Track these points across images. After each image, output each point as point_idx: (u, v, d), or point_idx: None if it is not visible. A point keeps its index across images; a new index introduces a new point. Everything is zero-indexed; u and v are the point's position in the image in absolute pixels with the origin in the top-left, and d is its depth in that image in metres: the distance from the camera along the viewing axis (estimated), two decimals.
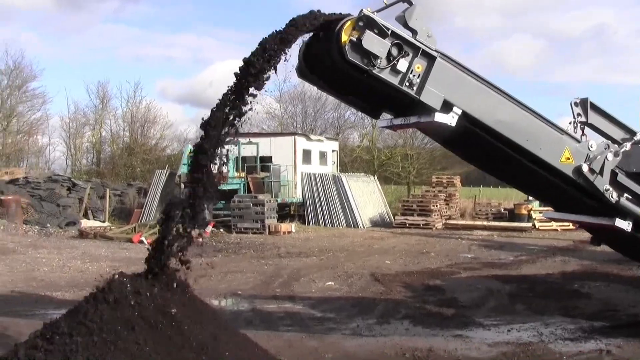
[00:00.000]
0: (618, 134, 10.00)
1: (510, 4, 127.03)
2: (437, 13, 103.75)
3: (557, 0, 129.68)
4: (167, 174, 34.58)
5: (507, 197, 40.12)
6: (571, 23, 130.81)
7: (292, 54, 7.90)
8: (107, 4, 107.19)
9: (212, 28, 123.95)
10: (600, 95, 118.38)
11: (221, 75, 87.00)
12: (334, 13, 7.81)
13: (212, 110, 7.12)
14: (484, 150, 8.90)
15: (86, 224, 31.10)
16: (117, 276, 6.70)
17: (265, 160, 35.75)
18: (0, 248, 21.55)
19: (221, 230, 29.55)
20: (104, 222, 33.18)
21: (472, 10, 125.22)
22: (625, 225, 8.94)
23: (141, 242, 24.59)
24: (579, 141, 8.91)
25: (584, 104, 9.88)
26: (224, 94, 7.15)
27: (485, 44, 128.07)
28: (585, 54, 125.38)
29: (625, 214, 8.93)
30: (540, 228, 32.21)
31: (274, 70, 7.27)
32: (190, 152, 33.19)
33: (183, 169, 32.60)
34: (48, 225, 29.36)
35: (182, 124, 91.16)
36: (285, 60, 7.42)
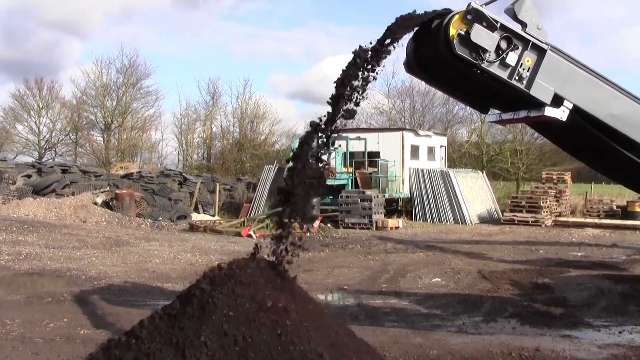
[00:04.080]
0: None
1: None
2: (555, 3, 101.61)
3: None
4: (275, 169, 34.86)
5: (620, 194, 39.01)
6: None
7: (400, 50, 7.87)
8: (223, 2, 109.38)
9: (324, 23, 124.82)
10: None
11: (332, 71, 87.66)
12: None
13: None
14: (594, 147, 8.69)
15: (196, 217, 31.73)
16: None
17: (373, 156, 35.64)
18: (114, 240, 22.18)
19: (329, 225, 29.65)
20: (213, 216, 33.76)
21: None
22: None
23: (249, 236, 24.94)
24: None
25: None
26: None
27: (606, 35, 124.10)
28: None
29: None
30: None
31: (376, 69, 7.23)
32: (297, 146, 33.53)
33: (292, 163, 32.84)
34: (160, 218, 30.12)
35: (292, 120, 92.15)
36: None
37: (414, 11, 7.63)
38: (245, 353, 5.91)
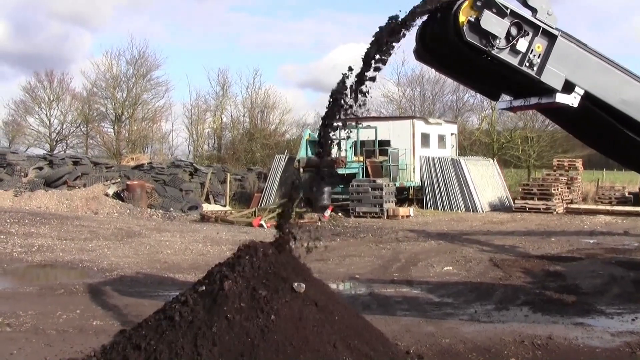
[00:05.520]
0: None
1: None
2: None
3: None
4: (286, 158, 34.91)
5: (632, 180, 38.80)
6: None
7: (410, 37, 7.86)
8: None
9: (334, 12, 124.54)
10: None
11: (342, 60, 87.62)
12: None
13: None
14: (606, 134, 8.64)
15: (207, 208, 31.82)
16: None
17: (384, 144, 35.59)
18: (126, 231, 22.23)
19: (340, 214, 29.65)
20: (224, 206, 33.83)
21: None
22: None
23: (261, 225, 24.97)
24: None
25: None
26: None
27: (618, 20, 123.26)
28: None
29: None
30: None
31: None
32: (308, 137, 33.50)
33: (302, 154, 32.84)
34: (171, 209, 30.15)
35: (302, 109, 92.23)
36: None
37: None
38: (257, 343, 5.93)
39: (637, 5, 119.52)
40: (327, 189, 29.65)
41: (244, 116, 60.64)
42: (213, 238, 21.22)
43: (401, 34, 7.30)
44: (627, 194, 35.77)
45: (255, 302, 6.21)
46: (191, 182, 35.36)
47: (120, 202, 29.82)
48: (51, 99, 59.29)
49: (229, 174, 37.16)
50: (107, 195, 30.27)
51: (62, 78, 60.23)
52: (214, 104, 60.97)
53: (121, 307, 10.83)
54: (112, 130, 57.57)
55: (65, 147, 59.04)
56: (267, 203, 32.08)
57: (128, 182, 31.32)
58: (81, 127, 59.75)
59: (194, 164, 39.31)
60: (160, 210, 29.58)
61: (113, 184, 31.55)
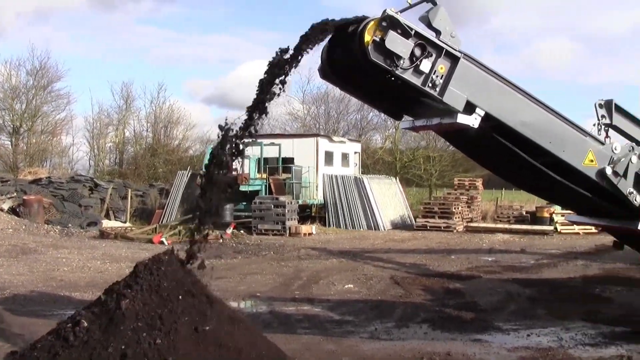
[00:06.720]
0: None
1: (550, 2, 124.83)
2: (471, 13, 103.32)
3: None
4: (189, 174, 34.60)
5: (529, 200, 39.77)
6: (610, 23, 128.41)
7: (315, 55, 7.90)
8: (141, 5, 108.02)
9: (243, 29, 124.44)
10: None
11: (249, 76, 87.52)
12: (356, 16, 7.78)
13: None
14: (505, 155, 8.80)
15: (107, 224, 31.19)
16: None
17: (287, 162, 35.74)
18: (21, 248, 21.66)
19: (242, 231, 29.49)
20: (125, 222, 33.25)
21: (510, 9, 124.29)
22: None
23: (162, 242, 24.65)
24: (602, 143, 8.81)
25: (608, 105, 9.82)
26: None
27: (521, 45, 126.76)
28: (624, 55, 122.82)
29: None
30: (562, 231, 31.89)
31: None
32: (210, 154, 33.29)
33: (206, 169, 32.61)
34: (70, 225, 29.44)
35: (206, 125, 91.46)
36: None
37: (328, 18, 7.65)
38: None
39: (538, 31, 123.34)
40: (229, 206, 29.51)
41: (147, 131, 59.96)
42: (112, 255, 20.84)
43: (285, 70, 7.38)
44: (524, 213, 36.59)
45: (154, 321, 6.09)
46: (91, 198, 34.62)
47: (16, 217, 28.95)
48: None
49: (130, 190, 36.56)
50: (1, 210, 29.42)
51: None
52: (117, 118, 59.97)
53: (13, 327, 10.47)
54: (10, 143, 56.03)
55: None
56: (169, 220, 31.69)
57: (25, 197, 30.51)
58: None
59: (95, 179, 38.52)
60: (58, 226, 28.83)
61: (8, 198, 30.71)
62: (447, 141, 13.79)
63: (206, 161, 7.76)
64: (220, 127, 7.30)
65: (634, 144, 9.22)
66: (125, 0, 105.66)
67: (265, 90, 7.33)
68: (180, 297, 6.46)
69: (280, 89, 7.37)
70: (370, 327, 11.19)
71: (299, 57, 7.42)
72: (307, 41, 7.42)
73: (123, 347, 5.85)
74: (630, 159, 8.60)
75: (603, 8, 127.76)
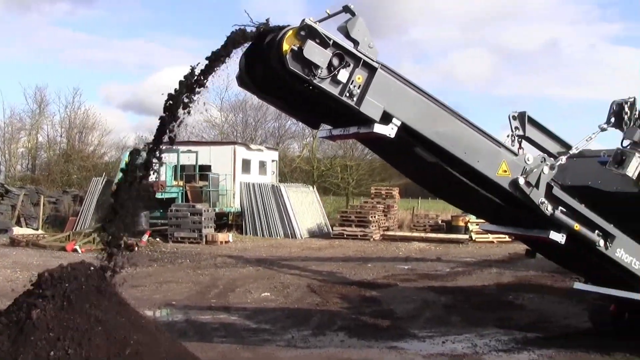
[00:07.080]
0: (554, 147, 10.22)
1: (468, 16, 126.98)
2: (391, 24, 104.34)
3: (514, 13, 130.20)
4: (104, 181, 34.11)
5: (445, 209, 40.31)
6: (526, 37, 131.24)
7: (233, 63, 7.87)
8: (57, 7, 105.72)
9: (162, 34, 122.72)
10: (553, 109, 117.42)
11: (167, 82, 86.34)
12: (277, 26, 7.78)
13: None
14: (421, 164, 8.91)
15: (18, 231, 30.45)
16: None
17: (204, 169, 35.56)
18: None
19: (158, 239, 29.19)
20: (37, 229, 32.55)
21: (429, 21, 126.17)
22: (559, 237, 8.99)
23: (75, 250, 24.25)
24: (516, 154, 8.97)
25: (521, 117, 10.06)
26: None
27: (440, 56, 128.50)
28: (537, 68, 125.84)
29: (559, 227, 8.99)
30: (477, 240, 32.48)
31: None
32: (126, 160, 32.90)
33: (120, 177, 32.22)
34: None
35: (123, 131, 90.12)
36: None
37: (247, 27, 7.63)
38: None
39: (456, 43, 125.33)
40: (145, 213, 29.18)
41: (61, 136, 58.73)
42: (23, 263, 20.42)
43: (197, 87, 7.40)
44: (440, 222, 37.08)
45: (66, 332, 5.98)
46: (1, 204, 33.82)
47: None
48: None
49: (43, 196, 35.84)
50: None
51: None
52: (30, 122, 58.65)
53: None
54: None
55: None
56: (83, 227, 31.14)
57: None
58: None
59: (5, 185, 37.67)
60: None
61: None
62: (368, 148, 13.90)
63: (122, 166, 7.74)
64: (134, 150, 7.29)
65: (545, 155, 9.43)
66: (39, 1, 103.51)
67: (171, 115, 7.31)
68: (93, 305, 6.35)
69: (186, 112, 7.35)
70: (287, 335, 11.21)
71: (212, 71, 7.43)
72: (221, 55, 7.43)
73: (33, 358, 5.72)
74: (542, 170, 8.78)
75: (518, 23, 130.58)
